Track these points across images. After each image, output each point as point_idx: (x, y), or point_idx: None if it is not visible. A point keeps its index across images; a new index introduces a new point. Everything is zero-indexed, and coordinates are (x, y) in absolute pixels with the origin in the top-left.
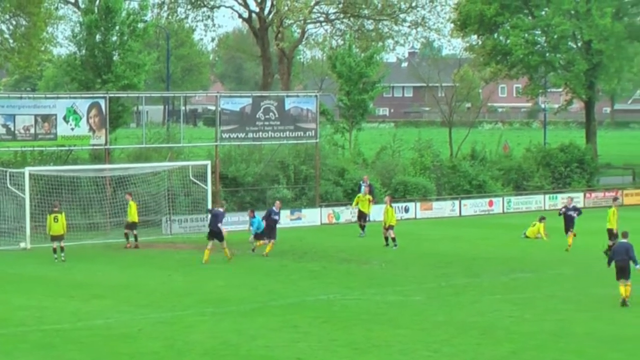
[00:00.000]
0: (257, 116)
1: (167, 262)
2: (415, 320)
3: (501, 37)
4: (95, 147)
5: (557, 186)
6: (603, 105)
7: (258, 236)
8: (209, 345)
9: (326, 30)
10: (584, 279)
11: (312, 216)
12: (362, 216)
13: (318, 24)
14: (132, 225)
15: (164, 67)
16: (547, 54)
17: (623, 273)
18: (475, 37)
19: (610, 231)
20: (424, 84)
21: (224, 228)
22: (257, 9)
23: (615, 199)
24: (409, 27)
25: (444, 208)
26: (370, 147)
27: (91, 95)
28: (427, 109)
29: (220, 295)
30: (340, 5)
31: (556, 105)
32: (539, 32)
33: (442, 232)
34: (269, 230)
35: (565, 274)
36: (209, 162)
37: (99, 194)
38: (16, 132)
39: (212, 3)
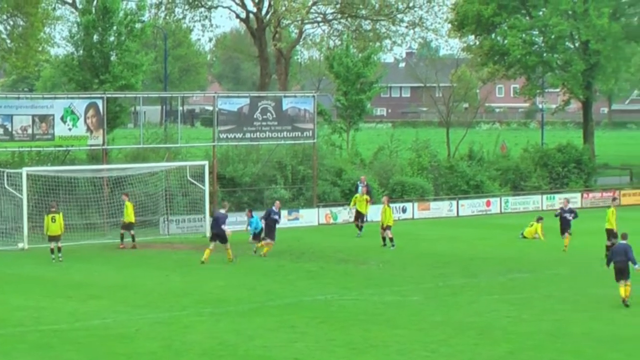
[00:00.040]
0: (255, 116)
1: (164, 262)
2: (413, 321)
3: (499, 38)
4: (92, 147)
5: (554, 186)
6: (600, 105)
7: (256, 236)
8: (207, 346)
9: (324, 31)
10: (581, 279)
11: (310, 216)
12: (359, 216)
13: (315, 24)
14: (128, 226)
15: (161, 68)
16: (545, 54)
17: (622, 274)
18: (472, 37)
19: (610, 231)
20: (422, 84)
21: (228, 228)
22: (255, 9)
23: (614, 199)
24: (406, 27)
25: (441, 208)
26: (368, 147)
27: (89, 96)
28: (424, 109)
29: (218, 296)
30: (338, 6)
31: (554, 106)
32: (537, 33)
33: (440, 233)
34: (269, 230)
35: (562, 274)
36: (206, 163)
37: (96, 194)
38: (14, 132)
39: (209, 3)
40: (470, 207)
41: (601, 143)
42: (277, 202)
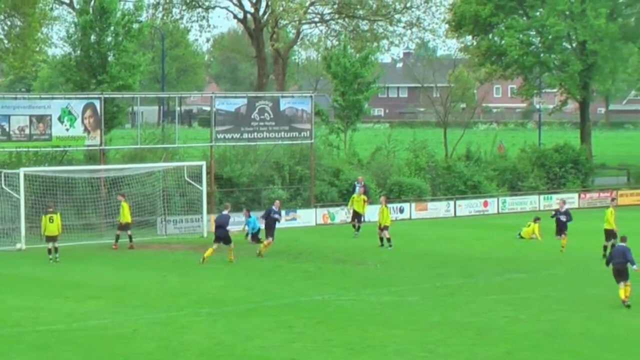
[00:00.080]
0: (252, 117)
1: (162, 262)
2: (411, 321)
3: (496, 38)
4: (90, 147)
5: (551, 187)
6: (598, 105)
7: (254, 237)
8: (204, 346)
9: (321, 31)
10: (579, 280)
11: (307, 217)
12: (356, 217)
13: (313, 25)
14: (125, 226)
15: (158, 68)
16: (542, 55)
17: (621, 276)
18: (470, 37)
19: (610, 231)
20: (419, 85)
21: (231, 229)
22: (252, 10)
23: (613, 199)
24: (403, 27)
25: (438, 208)
26: (365, 147)
27: (86, 96)
28: (422, 109)
29: (215, 296)
30: (335, 6)
31: (551, 106)
32: (534, 33)
33: (437, 233)
34: (268, 229)
35: (559, 275)
36: (204, 163)
37: (94, 194)
38: (11, 132)
39: (207, 4)
40: (467, 207)
41: (598, 143)
42: (277, 202)
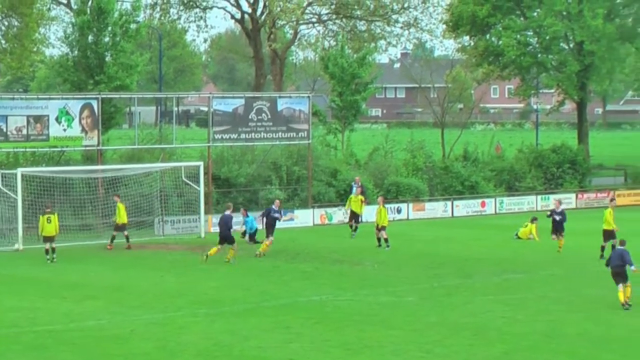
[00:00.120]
0: (250, 117)
1: (159, 263)
2: (408, 321)
3: (493, 38)
4: (87, 148)
5: (549, 187)
6: (595, 106)
7: (252, 237)
8: (202, 346)
9: (318, 31)
10: (576, 280)
11: (305, 217)
12: (354, 217)
13: (310, 25)
14: (121, 227)
15: (156, 68)
16: (539, 55)
17: (619, 277)
18: (467, 38)
19: (609, 232)
20: (417, 85)
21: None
22: (250, 10)
23: (612, 199)
24: (401, 28)
25: (436, 209)
26: (363, 148)
27: (83, 96)
28: (419, 109)
29: (212, 296)
30: (333, 6)
31: (548, 106)
32: (531, 33)
33: (435, 233)
34: (269, 229)
35: (557, 275)
36: (201, 163)
37: (91, 195)
38: (8, 133)
39: (204, 4)
40: (465, 207)
41: (596, 144)
42: (277, 201)
